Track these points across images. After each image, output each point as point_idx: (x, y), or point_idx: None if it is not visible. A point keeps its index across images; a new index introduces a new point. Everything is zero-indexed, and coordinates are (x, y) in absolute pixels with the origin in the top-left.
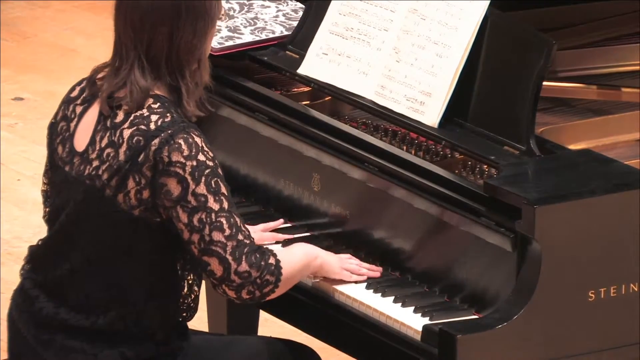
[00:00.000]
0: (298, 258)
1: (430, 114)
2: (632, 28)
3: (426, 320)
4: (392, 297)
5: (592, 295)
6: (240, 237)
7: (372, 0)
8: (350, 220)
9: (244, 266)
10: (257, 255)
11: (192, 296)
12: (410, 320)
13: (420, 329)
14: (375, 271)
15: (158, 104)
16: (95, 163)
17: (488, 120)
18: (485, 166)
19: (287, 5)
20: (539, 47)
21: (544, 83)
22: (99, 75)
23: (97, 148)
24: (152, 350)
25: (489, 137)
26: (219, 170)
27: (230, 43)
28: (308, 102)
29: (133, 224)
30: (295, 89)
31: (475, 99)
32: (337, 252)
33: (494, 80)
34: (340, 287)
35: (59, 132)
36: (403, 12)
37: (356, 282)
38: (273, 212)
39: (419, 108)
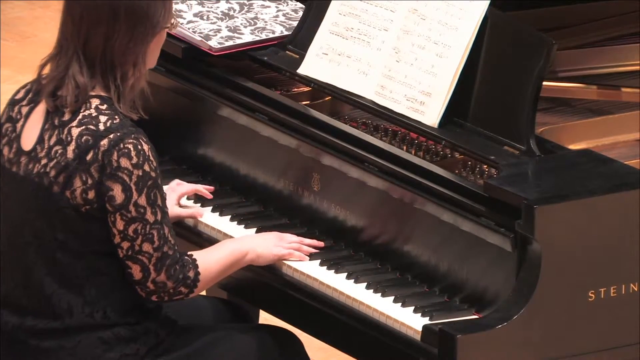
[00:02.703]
0: (222, 260)
1: (430, 114)
2: (632, 28)
3: (426, 320)
4: (392, 297)
5: (592, 295)
6: (165, 248)
7: (372, 0)
8: (350, 220)
9: (162, 277)
10: (177, 268)
11: None
12: (410, 320)
13: (420, 329)
14: (317, 243)
15: (105, 105)
16: (44, 161)
17: (488, 120)
18: (485, 166)
19: (287, 5)
20: (539, 47)
21: (544, 83)
22: (44, 72)
23: (46, 146)
24: (128, 330)
25: (489, 137)
26: (159, 180)
27: (230, 43)
28: (308, 102)
29: (83, 218)
30: (295, 89)
31: (475, 99)
32: (336, 251)
33: (494, 80)
34: (341, 288)
35: (4, 134)
36: (403, 12)
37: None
38: (273, 212)
39: (419, 108)
